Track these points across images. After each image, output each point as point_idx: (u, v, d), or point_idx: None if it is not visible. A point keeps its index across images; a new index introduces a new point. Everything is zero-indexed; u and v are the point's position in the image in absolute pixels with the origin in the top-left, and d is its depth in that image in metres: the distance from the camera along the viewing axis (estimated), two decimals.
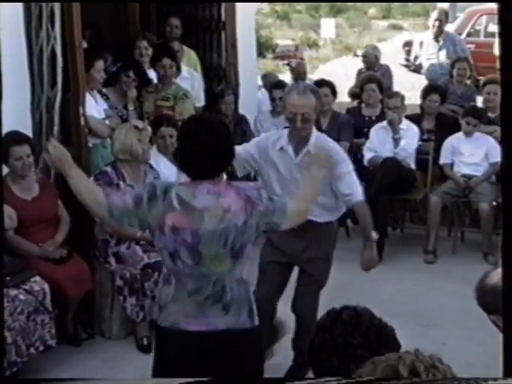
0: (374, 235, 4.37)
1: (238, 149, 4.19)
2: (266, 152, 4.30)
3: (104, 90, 6.07)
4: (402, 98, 7.07)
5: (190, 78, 7.04)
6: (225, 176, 3.34)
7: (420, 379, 1.54)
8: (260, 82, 9.09)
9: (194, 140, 3.14)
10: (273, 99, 7.45)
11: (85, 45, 6.33)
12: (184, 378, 2.81)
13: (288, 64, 9.50)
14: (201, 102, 7.16)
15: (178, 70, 6.72)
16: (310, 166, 3.48)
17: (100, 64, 5.88)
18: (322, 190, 4.08)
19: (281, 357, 4.59)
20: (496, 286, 2.49)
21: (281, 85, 7.66)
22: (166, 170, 5.55)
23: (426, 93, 7.35)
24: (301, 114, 4.10)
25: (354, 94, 8.21)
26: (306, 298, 4.49)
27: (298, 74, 9.01)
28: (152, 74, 6.58)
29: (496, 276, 2.55)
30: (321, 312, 2.42)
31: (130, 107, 6.14)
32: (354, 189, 4.30)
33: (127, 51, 6.80)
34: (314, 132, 4.29)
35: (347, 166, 4.32)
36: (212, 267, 3.13)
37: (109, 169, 5.21)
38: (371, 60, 8.74)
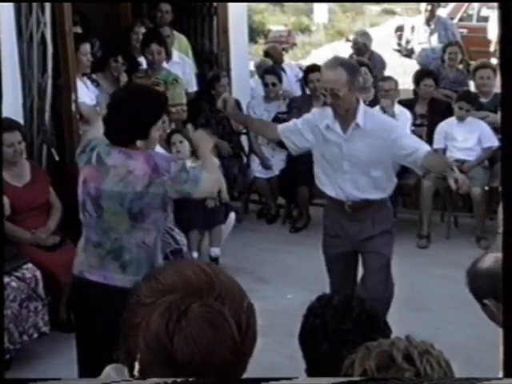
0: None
1: (286, 125, 4.28)
2: (317, 128, 4.17)
3: (94, 76, 6.03)
4: (396, 82, 7.05)
5: (181, 63, 7.00)
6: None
7: (418, 378, 1.53)
8: (252, 68, 9.04)
9: (111, 108, 3.40)
10: (265, 84, 7.41)
11: (79, 30, 6.29)
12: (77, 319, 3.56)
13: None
14: (193, 87, 7.13)
15: (168, 55, 6.67)
16: (198, 143, 3.66)
17: (85, 47, 5.81)
18: (374, 163, 4.11)
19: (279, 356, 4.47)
20: (489, 269, 2.49)
21: (273, 70, 7.63)
22: None
23: (420, 77, 7.31)
24: (329, 89, 3.95)
25: None
26: (374, 276, 4.38)
27: (272, 57, 8.93)
28: (142, 60, 6.54)
29: (488, 260, 2.54)
30: (311, 298, 2.40)
31: None
32: (419, 143, 4.20)
33: (123, 37, 6.76)
34: (362, 106, 4.13)
35: (402, 129, 4.32)
36: (111, 224, 3.35)
37: None
38: (360, 47, 8.72)
